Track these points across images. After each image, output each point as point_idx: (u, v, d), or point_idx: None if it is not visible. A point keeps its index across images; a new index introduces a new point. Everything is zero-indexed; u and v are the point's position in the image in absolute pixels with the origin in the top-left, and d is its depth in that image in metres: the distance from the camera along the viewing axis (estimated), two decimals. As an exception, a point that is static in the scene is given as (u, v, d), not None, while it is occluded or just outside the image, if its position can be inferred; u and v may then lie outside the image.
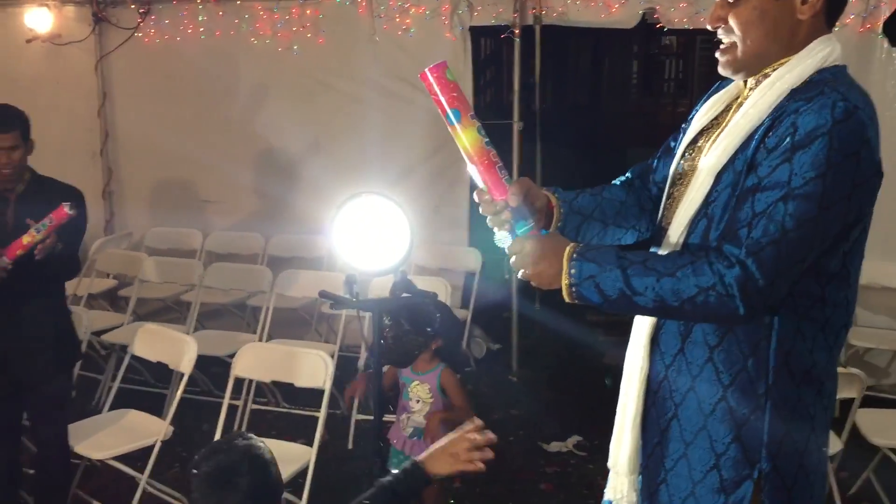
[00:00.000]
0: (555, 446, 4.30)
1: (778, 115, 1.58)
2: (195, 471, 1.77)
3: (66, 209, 2.93)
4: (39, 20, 5.56)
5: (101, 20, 5.64)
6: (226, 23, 5.34)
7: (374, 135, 5.05)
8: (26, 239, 2.92)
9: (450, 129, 1.65)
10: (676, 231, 1.73)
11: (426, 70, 1.62)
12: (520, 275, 1.65)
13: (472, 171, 1.67)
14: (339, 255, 5.01)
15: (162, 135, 5.68)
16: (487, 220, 1.71)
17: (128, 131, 5.82)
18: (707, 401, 1.69)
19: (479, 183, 1.68)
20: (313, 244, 5.32)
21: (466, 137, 1.63)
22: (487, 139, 1.65)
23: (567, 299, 1.61)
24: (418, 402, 3.08)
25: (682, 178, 1.79)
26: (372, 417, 4.28)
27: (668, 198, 1.83)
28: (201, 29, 5.39)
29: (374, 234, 2.27)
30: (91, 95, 5.76)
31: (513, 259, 1.65)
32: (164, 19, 5.49)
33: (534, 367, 5.30)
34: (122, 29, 5.59)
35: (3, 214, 3.14)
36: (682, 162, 1.82)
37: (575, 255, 1.59)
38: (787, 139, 1.53)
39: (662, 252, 1.73)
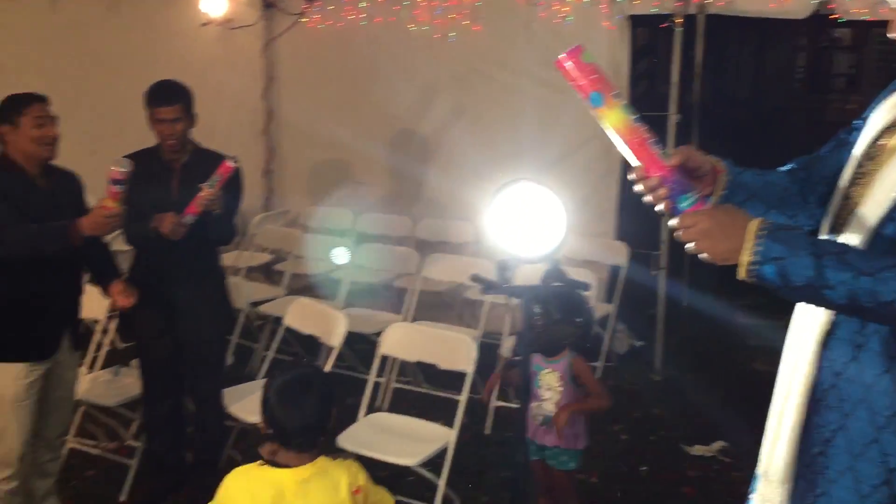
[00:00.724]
0: (698, 450, 4.17)
1: None
2: (273, 381, 2.17)
3: (229, 163, 3.12)
4: (214, 5, 5.89)
5: (269, 6, 5.92)
6: (386, 10, 5.47)
7: (526, 124, 5.03)
8: (201, 195, 3.12)
9: (595, 112, 1.61)
10: (875, 210, 1.59)
11: (560, 57, 1.59)
12: (690, 248, 1.58)
13: (624, 150, 1.62)
14: (491, 241, 5.09)
15: (321, 117, 5.91)
16: (645, 198, 1.66)
17: (289, 113, 6.08)
18: (881, 413, 1.58)
19: (634, 161, 1.63)
20: (460, 230, 5.38)
21: (613, 117, 1.58)
22: (636, 116, 1.60)
23: (742, 276, 1.51)
24: (548, 390, 3.04)
25: (874, 158, 1.67)
26: (511, 404, 4.37)
27: (855, 178, 1.70)
28: (363, 15, 5.54)
29: (528, 222, 2.25)
30: (257, 78, 6.05)
31: (681, 232, 1.59)
32: (328, 5, 5.69)
33: (678, 367, 5.14)
34: (289, 14, 5.83)
35: (168, 184, 3.36)
36: (870, 148, 1.69)
37: (763, 233, 1.49)
38: None
39: (855, 235, 1.62)
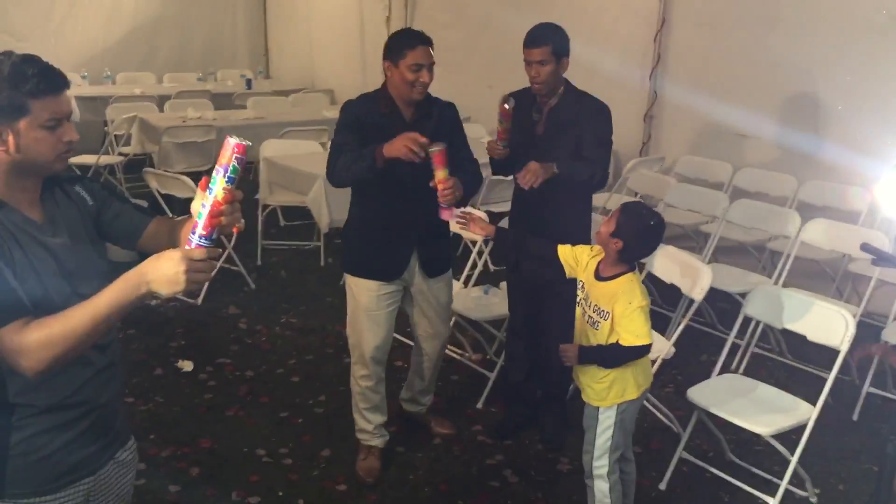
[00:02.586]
0: None
1: None
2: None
3: (504, 105, 3.19)
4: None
5: (673, -55, 5.75)
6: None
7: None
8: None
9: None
10: None
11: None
12: None
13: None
14: (888, 213, 4.57)
15: (709, 64, 5.69)
16: None
17: (679, 58, 5.92)
18: None
19: None
20: (851, 196, 4.88)
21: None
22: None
23: None
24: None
25: None
26: (889, 394, 3.94)
27: None
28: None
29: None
30: (650, 21, 5.96)
31: None
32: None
33: None
34: (692, -45, 5.63)
35: (535, 124, 3.43)
36: None
37: None
38: None
39: None
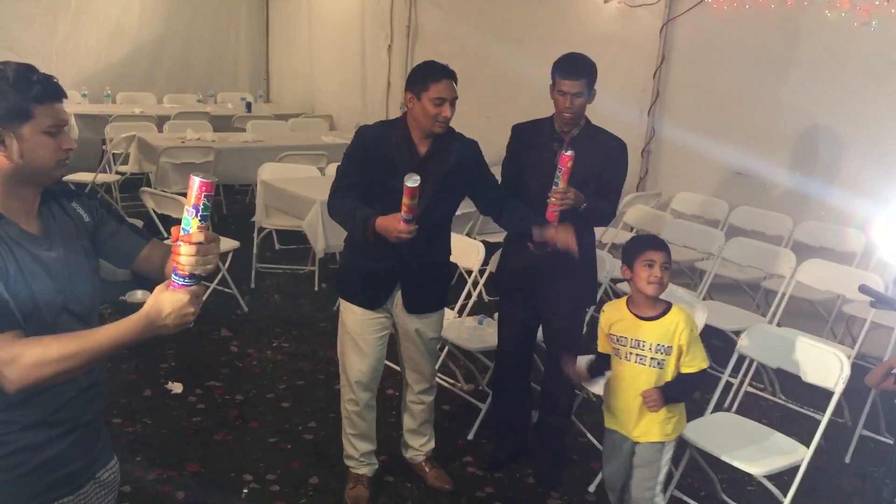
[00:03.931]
0: None
1: None
2: None
3: (567, 153, 3.11)
4: (620, -17, 5.96)
5: (675, -15, 5.82)
6: (808, -6, 5.10)
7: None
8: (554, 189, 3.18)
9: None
10: None
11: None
12: None
13: None
14: (885, 255, 4.58)
15: (707, 102, 5.73)
16: None
17: (677, 95, 5.98)
18: None
19: None
20: (847, 237, 4.90)
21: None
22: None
23: None
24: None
25: None
26: (881, 437, 3.92)
27: None
28: (775, -2, 5.22)
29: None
30: (651, 57, 6.02)
31: None
32: (737, -14, 5.45)
33: None
34: (695, -5, 5.70)
35: (555, 153, 3.41)
36: None
37: None
38: None
39: None
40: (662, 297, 2.89)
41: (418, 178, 2.73)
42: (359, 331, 3.26)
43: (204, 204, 1.52)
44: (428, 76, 3.02)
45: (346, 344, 3.30)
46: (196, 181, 1.50)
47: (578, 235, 3.15)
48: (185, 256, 1.53)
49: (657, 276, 2.81)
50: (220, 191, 8.02)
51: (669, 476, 2.88)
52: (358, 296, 3.26)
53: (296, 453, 3.74)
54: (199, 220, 1.53)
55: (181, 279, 1.55)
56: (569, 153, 3.10)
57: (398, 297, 3.26)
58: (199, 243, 1.53)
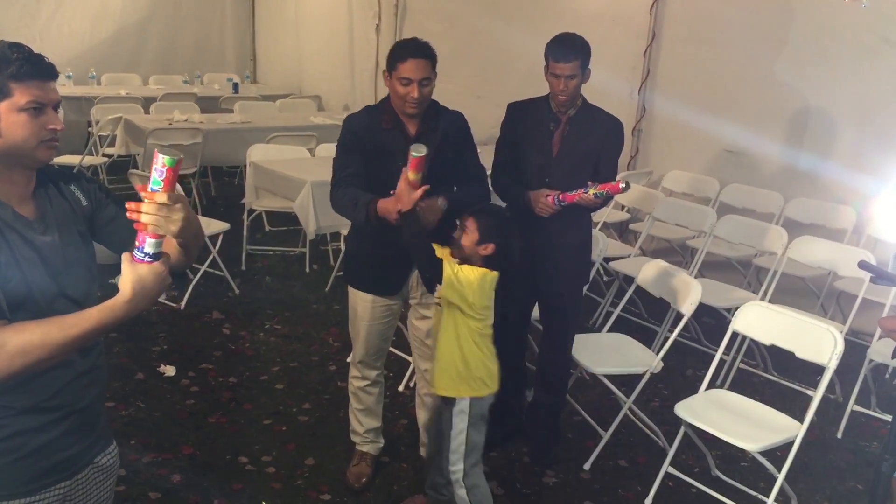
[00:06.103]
0: None
1: None
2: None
3: (620, 185, 3.11)
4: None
5: (664, -38, 5.78)
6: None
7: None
8: (591, 191, 3.17)
9: None
10: None
11: None
12: None
13: None
14: (880, 231, 4.59)
15: (698, 80, 5.71)
16: None
17: (668, 73, 5.95)
18: None
19: None
20: (838, 214, 4.92)
21: None
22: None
23: None
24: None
25: None
26: (873, 412, 3.95)
27: None
28: (764, -29, 5.20)
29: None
30: (641, 34, 5.98)
31: None
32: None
33: None
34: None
35: (553, 133, 3.41)
36: None
37: None
38: None
39: None
40: None
41: (424, 147, 2.62)
42: (368, 317, 3.24)
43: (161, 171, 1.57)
44: (395, 55, 2.94)
45: (355, 327, 3.29)
46: (159, 157, 1.56)
47: (576, 217, 3.17)
48: (147, 215, 1.58)
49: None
50: (208, 173, 7.97)
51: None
52: (369, 283, 3.22)
53: (291, 435, 3.73)
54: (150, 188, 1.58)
55: (145, 253, 1.60)
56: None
57: (415, 281, 3.21)
58: (163, 203, 1.57)
